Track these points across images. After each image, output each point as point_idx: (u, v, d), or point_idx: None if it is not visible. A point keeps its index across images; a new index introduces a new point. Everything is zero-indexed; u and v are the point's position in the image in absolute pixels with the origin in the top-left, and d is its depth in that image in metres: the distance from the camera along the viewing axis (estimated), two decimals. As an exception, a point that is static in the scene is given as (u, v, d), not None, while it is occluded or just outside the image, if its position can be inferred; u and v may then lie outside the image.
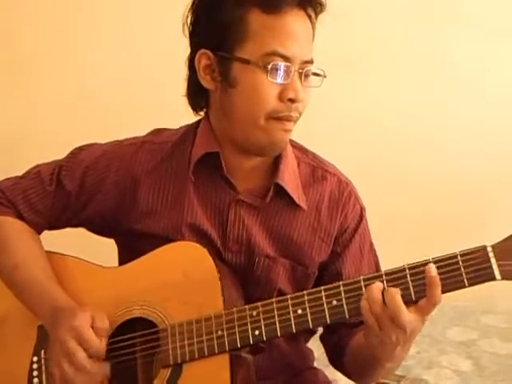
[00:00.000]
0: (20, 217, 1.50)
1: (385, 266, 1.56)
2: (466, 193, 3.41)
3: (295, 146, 1.51)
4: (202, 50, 1.36)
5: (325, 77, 1.38)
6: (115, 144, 1.52)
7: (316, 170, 1.49)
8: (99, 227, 1.53)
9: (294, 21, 1.32)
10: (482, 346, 2.72)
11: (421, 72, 3.32)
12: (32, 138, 2.92)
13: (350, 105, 3.19)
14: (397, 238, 3.08)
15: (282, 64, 1.31)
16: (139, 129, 1.57)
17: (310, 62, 1.35)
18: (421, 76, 3.33)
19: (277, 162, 1.43)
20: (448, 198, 3.40)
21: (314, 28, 1.38)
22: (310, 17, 1.35)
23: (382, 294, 1.21)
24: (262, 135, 1.35)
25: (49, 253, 1.49)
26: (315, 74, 1.38)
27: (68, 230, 1.56)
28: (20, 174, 1.55)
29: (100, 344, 1.30)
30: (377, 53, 3.24)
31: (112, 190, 1.46)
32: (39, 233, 1.53)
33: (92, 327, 1.30)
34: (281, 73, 1.32)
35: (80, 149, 1.53)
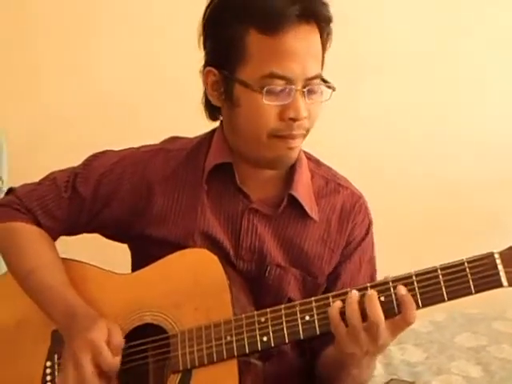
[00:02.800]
0: (37, 223, 1.52)
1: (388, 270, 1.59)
2: (471, 196, 3.41)
3: (310, 158, 1.53)
4: (209, 68, 1.37)
5: (334, 90, 1.36)
6: (130, 151, 1.54)
7: (329, 182, 1.51)
8: (113, 233, 1.54)
9: (294, 39, 1.28)
10: (492, 351, 2.69)
11: (425, 77, 3.32)
12: (46, 143, 2.94)
13: (354, 110, 3.19)
14: (401, 242, 3.08)
15: (278, 87, 1.29)
16: (154, 134, 1.60)
17: (316, 77, 1.33)
18: (425, 82, 3.32)
19: (291, 173, 1.44)
20: (453, 201, 3.40)
21: (324, 38, 1.35)
22: (316, 28, 1.32)
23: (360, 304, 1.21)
24: (267, 152, 1.37)
25: (63, 259, 1.51)
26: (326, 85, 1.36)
27: (82, 236, 1.58)
28: (34, 178, 1.58)
29: (114, 361, 1.30)
30: (381, 59, 3.24)
31: (126, 197, 1.48)
32: (55, 239, 1.55)
33: (107, 342, 1.30)
34: (279, 94, 1.30)
35: (95, 156, 1.56)
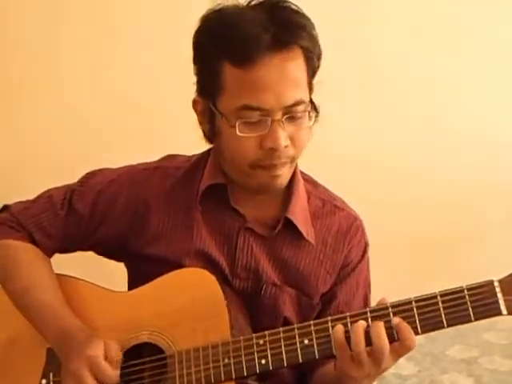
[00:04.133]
0: (32, 240, 1.51)
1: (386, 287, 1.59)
2: (462, 211, 3.43)
3: (306, 179, 1.52)
4: (196, 97, 1.37)
5: (316, 116, 1.34)
6: (127, 169, 1.54)
7: (326, 204, 1.50)
8: (109, 251, 1.54)
9: (266, 69, 1.24)
10: (483, 363, 2.72)
11: (419, 96, 3.35)
12: (29, 164, 2.93)
13: (352, 120, 3.20)
14: (394, 259, 3.09)
15: (253, 119, 1.27)
16: (142, 154, 1.60)
17: (298, 103, 1.29)
18: (418, 100, 3.35)
19: (288, 194, 1.44)
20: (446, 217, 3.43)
21: (309, 60, 1.30)
22: (294, 53, 1.27)
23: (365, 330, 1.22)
24: (251, 180, 1.36)
25: (59, 275, 1.50)
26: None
27: (77, 253, 1.57)
28: (17, 199, 1.57)
29: (113, 374, 1.30)
30: (373, 78, 3.26)
31: (123, 214, 1.48)
32: (50, 256, 1.54)
33: (105, 357, 1.30)
34: (255, 125, 1.28)
35: (92, 173, 1.55)
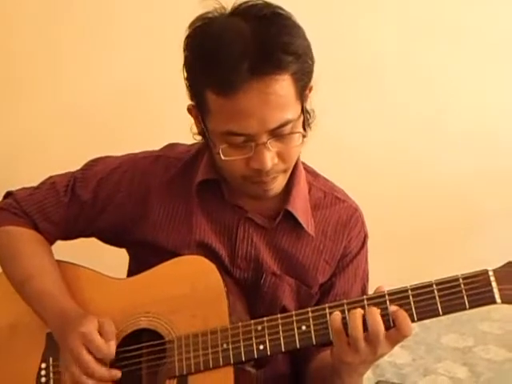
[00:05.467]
0: (35, 227, 1.53)
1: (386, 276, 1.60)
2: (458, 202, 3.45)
3: (308, 170, 1.53)
4: (189, 104, 1.35)
5: (304, 136, 1.32)
6: (130, 157, 1.55)
7: (327, 195, 1.51)
8: (111, 237, 1.55)
9: (246, 97, 1.20)
10: (478, 352, 2.73)
11: (417, 87, 3.35)
12: (27, 155, 2.94)
13: (348, 114, 3.21)
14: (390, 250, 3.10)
15: (235, 142, 1.27)
16: (139, 145, 1.60)
17: (284, 124, 1.26)
18: (417, 91, 3.36)
19: (288, 186, 1.44)
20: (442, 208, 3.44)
21: (297, 77, 1.24)
22: (277, 75, 1.21)
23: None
24: (244, 189, 1.38)
25: (59, 262, 1.51)
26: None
27: (78, 240, 1.58)
28: (20, 181, 1.59)
29: (108, 347, 1.32)
30: (372, 70, 3.27)
31: (125, 202, 1.49)
32: (53, 242, 1.56)
33: (100, 332, 1.32)
34: (240, 148, 1.27)
35: (95, 161, 1.56)
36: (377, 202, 2.85)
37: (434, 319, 1.26)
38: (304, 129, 1.32)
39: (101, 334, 1.32)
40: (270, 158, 1.27)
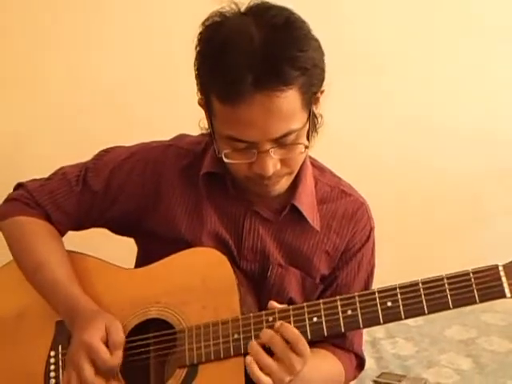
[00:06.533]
0: (47, 217, 1.53)
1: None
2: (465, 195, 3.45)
3: (314, 165, 1.54)
4: (199, 99, 1.35)
5: (306, 147, 1.31)
6: (141, 146, 1.56)
7: (333, 189, 1.52)
8: (123, 227, 1.56)
9: (250, 108, 1.20)
10: (482, 344, 2.73)
11: (417, 82, 3.35)
12: (36, 141, 2.95)
13: (351, 108, 3.21)
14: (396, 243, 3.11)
15: (238, 147, 1.27)
16: (149, 132, 1.62)
17: (287, 134, 1.25)
18: (417, 85, 3.35)
19: (295, 181, 1.44)
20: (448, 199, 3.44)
21: (304, 89, 1.24)
22: (281, 89, 1.20)
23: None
24: (248, 186, 1.39)
25: (69, 252, 1.52)
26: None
27: (88, 230, 1.59)
28: (22, 177, 1.59)
29: (112, 360, 1.31)
30: (378, 56, 3.26)
31: (137, 191, 1.49)
32: (64, 233, 1.56)
33: (105, 339, 1.32)
34: (243, 152, 1.28)
35: (105, 151, 1.57)
36: (384, 196, 2.86)
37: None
38: (309, 136, 1.32)
39: (107, 343, 1.32)
40: (272, 165, 1.28)
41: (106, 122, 2.96)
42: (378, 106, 3.29)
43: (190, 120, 1.41)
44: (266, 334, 1.28)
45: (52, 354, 1.43)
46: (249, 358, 1.26)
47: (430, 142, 3.38)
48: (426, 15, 3.30)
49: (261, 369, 1.25)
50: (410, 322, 2.83)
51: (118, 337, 1.32)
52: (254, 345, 1.27)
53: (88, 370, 1.29)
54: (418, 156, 3.38)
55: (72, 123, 2.98)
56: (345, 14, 3.17)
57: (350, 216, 1.51)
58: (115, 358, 1.31)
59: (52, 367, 1.42)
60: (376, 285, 1.39)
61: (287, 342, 1.26)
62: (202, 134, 1.50)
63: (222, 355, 1.32)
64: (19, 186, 1.59)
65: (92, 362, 1.30)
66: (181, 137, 1.57)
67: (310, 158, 1.52)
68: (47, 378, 1.41)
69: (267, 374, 1.25)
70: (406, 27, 3.29)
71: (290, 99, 1.22)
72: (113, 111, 2.98)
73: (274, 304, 1.32)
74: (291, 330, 1.27)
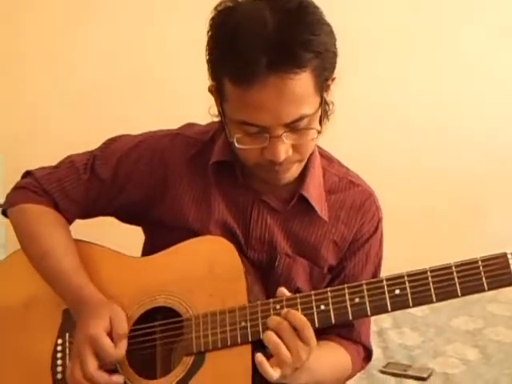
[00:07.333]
0: (55, 205, 1.53)
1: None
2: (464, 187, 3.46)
3: (323, 155, 1.53)
4: (212, 84, 1.34)
5: (319, 132, 1.30)
6: (148, 135, 1.55)
7: (341, 179, 1.51)
8: (130, 216, 1.55)
9: (262, 91, 1.20)
10: (488, 334, 2.74)
11: (425, 66, 3.35)
12: (34, 139, 2.95)
13: (355, 97, 3.21)
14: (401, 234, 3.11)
15: (250, 131, 1.27)
16: (155, 121, 1.62)
17: (299, 119, 1.25)
18: (425, 71, 3.36)
19: (303, 170, 1.43)
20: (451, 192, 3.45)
21: (317, 72, 1.24)
22: (294, 72, 1.20)
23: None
24: (258, 174, 1.39)
25: (76, 241, 1.52)
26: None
27: (95, 219, 1.59)
28: (30, 165, 1.59)
29: (116, 352, 1.31)
30: (383, 44, 3.26)
31: (144, 181, 1.49)
32: (71, 221, 1.56)
33: (109, 331, 1.32)
34: (254, 137, 1.28)
35: (113, 139, 1.56)
36: (389, 184, 2.86)
37: (444, 301, 1.27)
38: (321, 121, 1.32)
39: (111, 335, 1.32)
40: (284, 151, 1.28)
41: (113, 111, 2.97)
42: (385, 102, 3.30)
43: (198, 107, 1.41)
44: (274, 320, 1.28)
45: (59, 341, 1.43)
46: (259, 357, 1.26)
47: (440, 133, 3.39)
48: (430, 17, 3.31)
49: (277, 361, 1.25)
50: (417, 312, 2.84)
51: (121, 329, 1.33)
52: (271, 337, 1.27)
53: (91, 364, 1.30)
54: (427, 144, 3.39)
55: (79, 111, 2.98)
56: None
57: (358, 207, 1.50)
58: (119, 350, 1.32)
59: (59, 355, 1.42)
60: (383, 274, 1.38)
61: (294, 329, 1.26)
62: (211, 123, 1.50)
63: (229, 343, 1.32)
64: (27, 174, 1.58)
65: (96, 355, 1.30)
66: (188, 126, 1.57)
67: (319, 147, 1.51)
68: (54, 365, 1.42)
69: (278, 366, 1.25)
70: (407, 21, 3.30)
71: (303, 82, 1.22)
72: (120, 100, 2.98)
73: (283, 291, 1.32)
74: (298, 317, 1.27)
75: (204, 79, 1.34)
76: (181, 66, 2.86)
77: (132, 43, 3.03)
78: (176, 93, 2.96)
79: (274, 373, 1.25)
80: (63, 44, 3.00)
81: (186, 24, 2.82)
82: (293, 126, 1.26)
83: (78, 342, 1.33)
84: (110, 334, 1.32)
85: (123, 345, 1.32)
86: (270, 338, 1.26)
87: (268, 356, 1.27)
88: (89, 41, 3.01)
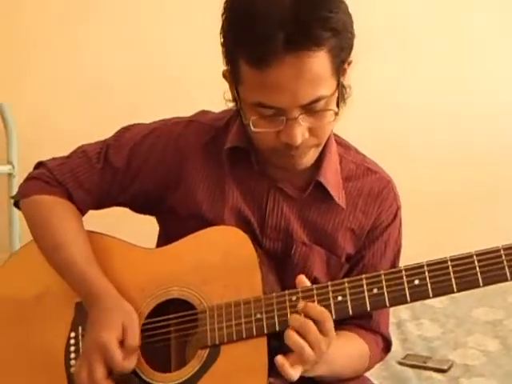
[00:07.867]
0: (68, 196, 1.52)
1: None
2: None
3: (339, 142, 1.51)
4: (225, 69, 1.33)
5: (336, 114, 1.29)
6: (162, 123, 1.54)
7: (358, 167, 1.49)
8: (144, 205, 1.53)
9: (281, 71, 1.19)
10: (509, 325, 2.71)
11: (431, 52, 3.33)
12: (56, 120, 2.95)
13: (368, 84, 3.19)
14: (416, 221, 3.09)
15: (266, 114, 1.26)
16: (167, 110, 1.59)
17: (316, 100, 1.24)
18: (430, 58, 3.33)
19: (320, 157, 1.41)
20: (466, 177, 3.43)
21: (334, 53, 1.22)
22: (312, 51, 1.19)
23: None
24: (273, 160, 1.37)
25: (89, 232, 1.50)
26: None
27: (108, 210, 1.58)
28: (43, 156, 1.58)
29: (125, 364, 1.30)
30: (393, 31, 3.24)
31: (157, 168, 1.48)
32: (85, 212, 1.55)
33: (121, 341, 1.31)
34: (270, 120, 1.26)
35: (126, 128, 1.55)
36: (405, 174, 2.83)
37: (464, 292, 1.26)
38: (338, 105, 1.30)
39: (122, 344, 1.30)
40: (300, 134, 1.26)
41: (127, 100, 2.96)
42: (400, 88, 3.28)
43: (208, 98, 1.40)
44: (297, 320, 1.25)
45: (72, 335, 1.42)
46: (280, 359, 1.23)
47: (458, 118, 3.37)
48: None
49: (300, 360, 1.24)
50: (436, 303, 2.82)
51: (134, 340, 1.31)
52: (296, 339, 1.24)
53: (99, 372, 1.28)
54: (446, 130, 3.37)
55: (92, 101, 2.98)
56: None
57: (375, 194, 1.48)
58: (129, 363, 1.30)
59: (72, 348, 1.41)
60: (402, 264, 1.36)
61: (314, 321, 1.23)
62: (225, 110, 1.48)
63: (244, 335, 1.30)
64: (40, 164, 1.57)
65: (105, 363, 1.29)
66: (202, 113, 1.55)
67: (335, 135, 1.49)
68: (68, 359, 1.40)
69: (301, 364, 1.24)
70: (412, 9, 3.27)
71: (320, 61, 1.21)
72: (132, 90, 2.98)
73: (302, 278, 1.29)
74: (319, 309, 1.25)
75: (212, 72, 1.34)
76: (191, 58, 2.85)
77: (141, 33, 3.02)
78: (186, 84, 2.96)
79: (294, 373, 1.23)
80: (70, 32, 3.01)
81: (194, 13, 2.83)
82: (309, 108, 1.25)
83: (88, 344, 1.32)
84: (121, 343, 1.31)
85: (134, 357, 1.31)
86: (295, 340, 1.23)
87: (283, 347, 1.25)
88: (96, 29, 3.01)
